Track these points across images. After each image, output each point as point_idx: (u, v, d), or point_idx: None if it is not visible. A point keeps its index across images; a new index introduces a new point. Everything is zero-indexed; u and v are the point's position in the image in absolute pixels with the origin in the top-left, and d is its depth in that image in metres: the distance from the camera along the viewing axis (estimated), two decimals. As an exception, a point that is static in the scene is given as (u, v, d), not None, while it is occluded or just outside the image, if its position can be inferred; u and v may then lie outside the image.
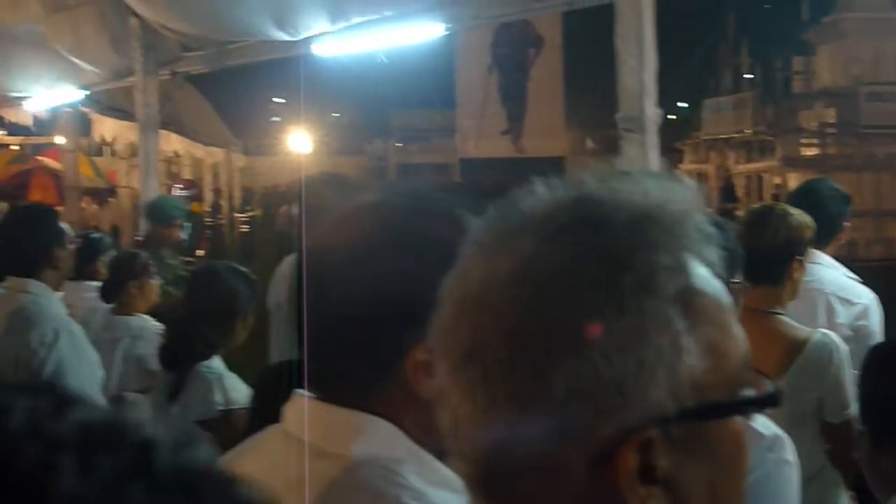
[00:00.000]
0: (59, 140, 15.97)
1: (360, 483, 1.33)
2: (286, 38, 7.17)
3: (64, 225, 4.42)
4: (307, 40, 7.44)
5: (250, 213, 22.45)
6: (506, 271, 0.87)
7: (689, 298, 0.86)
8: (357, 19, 6.79)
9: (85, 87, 10.53)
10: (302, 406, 1.45)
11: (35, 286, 4.10)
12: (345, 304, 1.37)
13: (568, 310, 0.84)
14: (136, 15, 8.20)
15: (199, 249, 10.75)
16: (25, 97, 11.78)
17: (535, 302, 0.85)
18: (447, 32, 6.78)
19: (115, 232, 9.86)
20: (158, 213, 7.58)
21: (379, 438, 1.35)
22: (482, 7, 6.45)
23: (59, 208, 9.45)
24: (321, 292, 1.42)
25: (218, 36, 8.02)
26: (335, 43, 7.31)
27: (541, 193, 0.91)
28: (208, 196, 18.72)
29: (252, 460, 1.48)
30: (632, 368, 0.82)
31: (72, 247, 4.46)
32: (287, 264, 4.98)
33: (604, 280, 0.84)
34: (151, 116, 8.74)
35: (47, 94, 11.23)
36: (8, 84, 11.42)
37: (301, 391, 1.48)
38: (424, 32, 6.79)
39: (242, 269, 4.21)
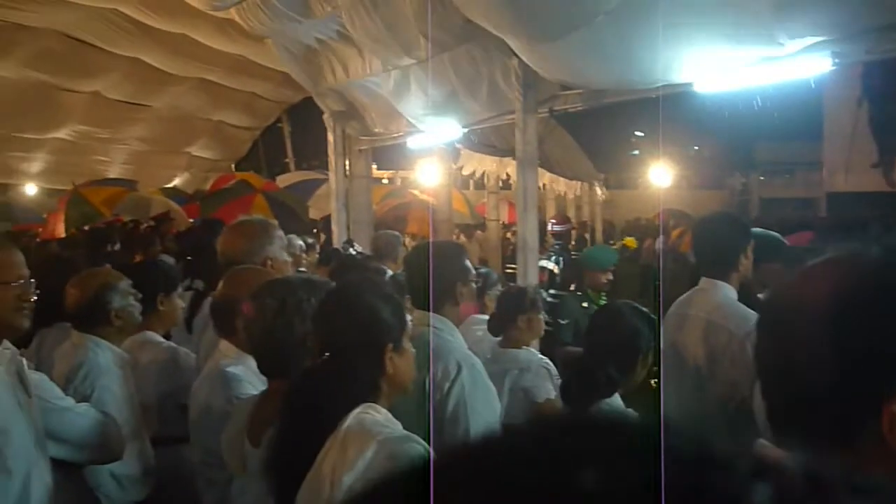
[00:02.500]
0: (426, 174, 16.59)
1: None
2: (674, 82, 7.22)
3: (468, 262, 4.55)
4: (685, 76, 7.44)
5: (613, 247, 22.55)
6: None
7: None
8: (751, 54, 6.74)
9: (465, 125, 10.90)
10: (767, 457, 1.46)
11: (438, 320, 4.24)
12: (820, 358, 1.36)
13: None
14: (516, 54, 8.44)
15: (571, 284, 10.84)
16: (405, 134, 12.32)
17: None
18: (833, 68, 6.55)
19: (485, 265, 10.15)
20: (591, 261, 8.13)
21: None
22: (875, 41, 6.17)
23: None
24: (789, 344, 1.41)
25: (600, 85, 8.17)
26: (720, 80, 7.26)
27: None
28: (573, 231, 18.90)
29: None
30: None
31: (474, 284, 4.59)
32: (680, 305, 4.96)
33: None
34: (530, 153, 8.94)
35: (426, 130, 11.70)
36: (391, 123, 12.03)
37: (763, 441, 1.49)
38: (810, 68, 6.61)
39: (644, 308, 4.23)
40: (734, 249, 4.82)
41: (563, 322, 7.92)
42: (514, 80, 8.79)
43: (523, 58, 8.38)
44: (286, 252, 4.84)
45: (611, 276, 8.42)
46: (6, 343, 3.47)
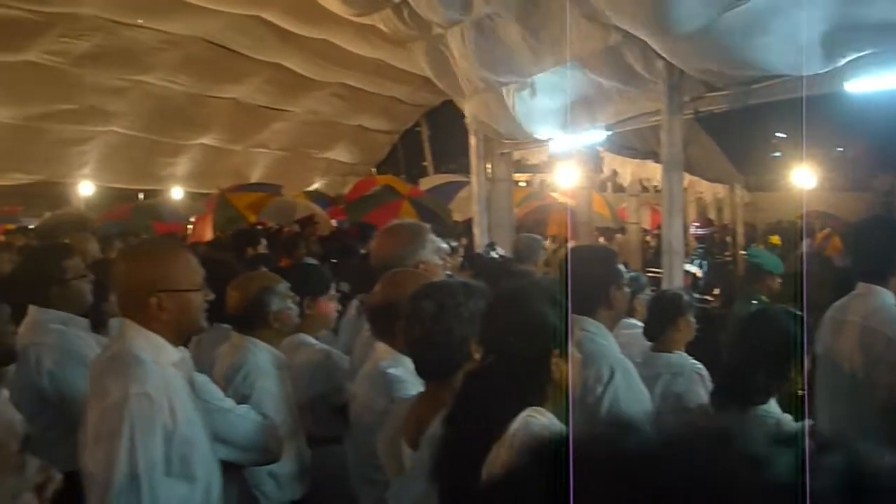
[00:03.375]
0: (565, 176, 16.50)
1: None
2: (821, 70, 7.09)
3: (620, 265, 4.53)
4: (830, 76, 7.30)
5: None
6: None
7: None
8: None
9: (608, 128, 10.83)
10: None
11: (591, 324, 4.23)
12: None
13: None
14: (660, 56, 8.35)
15: (714, 288, 10.72)
16: (546, 138, 12.29)
17: None
18: None
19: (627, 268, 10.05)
20: (766, 264, 8.09)
21: None
22: None
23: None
24: None
25: (744, 75, 8.04)
26: (866, 80, 7.11)
27: None
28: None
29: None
30: None
31: (627, 288, 4.56)
32: (836, 310, 4.86)
33: None
34: (675, 156, 8.82)
35: (567, 134, 11.66)
36: (536, 128, 12.02)
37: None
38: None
39: (798, 312, 4.14)
40: (891, 253, 4.70)
41: None
42: (661, 81, 8.70)
43: (667, 55, 8.29)
44: (438, 256, 4.87)
45: (780, 281, 8.25)
46: (182, 349, 3.56)
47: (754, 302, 8.14)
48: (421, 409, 3.33)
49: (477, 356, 2.96)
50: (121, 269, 3.58)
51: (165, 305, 3.40)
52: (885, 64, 6.86)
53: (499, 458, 2.60)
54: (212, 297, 3.62)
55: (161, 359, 3.39)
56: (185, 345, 5.10)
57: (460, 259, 9.26)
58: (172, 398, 3.32)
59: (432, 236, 4.83)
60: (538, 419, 2.66)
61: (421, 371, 3.43)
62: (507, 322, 2.83)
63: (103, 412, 3.23)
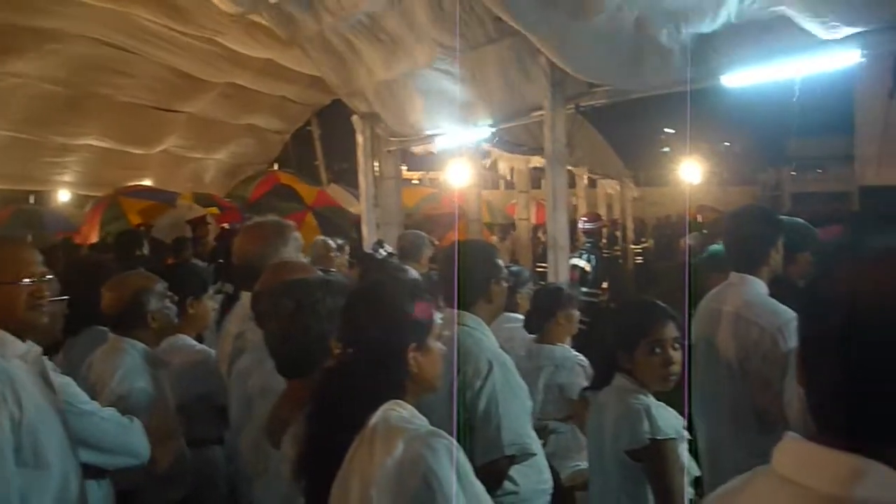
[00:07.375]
0: (455, 173, 16.52)
1: (865, 527, 1.30)
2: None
3: (499, 260, 4.55)
4: (712, 71, 7.43)
5: (644, 245, 22.46)
6: None
7: None
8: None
9: (492, 124, 10.85)
10: (795, 448, 1.43)
11: (470, 319, 4.24)
12: (878, 353, 1.32)
13: None
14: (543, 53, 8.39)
15: (603, 282, 10.82)
16: (434, 134, 12.26)
17: None
18: (862, 60, 6.49)
19: (516, 264, 10.06)
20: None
21: (881, 482, 1.31)
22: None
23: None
24: (859, 334, 1.36)
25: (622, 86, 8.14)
26: (745, 74, 7.25)
27: None
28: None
29: (744, 502, 1.49)
30: None
31: (506, 282, 4.58)
32: (710, 299, 4.93)
33: None
34: (559, 151, 8.87)
35: (454, 130, 11.63)
36: (418, 123, 11.99)
37: (793, 434, 1.46)
38: (839, 61, 6.55)
39: (648, 299, 4.19)
40: (764, 243, 4.76)
41: None
42: (543, 77, 8.74)
43: (548, 52, 8.32)
44: (300, 253, 4.84)
45: None
46: (30, 343, 3.47)
47: None
48: (282, 408, 3.31)
49: (337, 353, 2.96)
50: None
51: None
52: (764, 58, 7.00)
53: (357, 451, 2.60)
54: (49, 292, 3.54)
55: (5, 351, 3.32)
56: (58, 348, 5.03)
57: (346, 257, 9.20)
58: (17, 388, 3.25)
59: (296, 234, 4.81)
60: (398, 412, 2.66)
61: (280, 368, 3.39)
62: (364, 317, 2.82)
63: None
